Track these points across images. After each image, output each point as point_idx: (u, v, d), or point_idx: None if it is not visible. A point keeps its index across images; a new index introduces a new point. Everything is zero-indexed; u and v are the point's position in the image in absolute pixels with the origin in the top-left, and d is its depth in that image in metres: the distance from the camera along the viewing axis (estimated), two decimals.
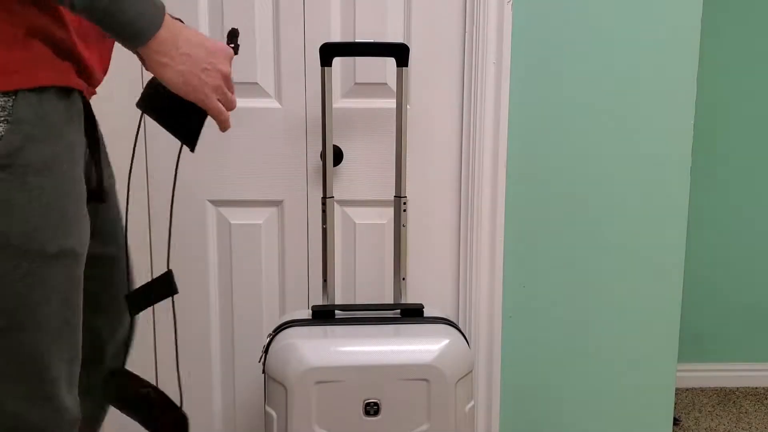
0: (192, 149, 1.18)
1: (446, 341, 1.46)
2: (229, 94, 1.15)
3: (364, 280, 1.84)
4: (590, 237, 1.82)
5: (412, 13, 1.75)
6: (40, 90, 0.99)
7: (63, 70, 1.03)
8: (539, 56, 1.74)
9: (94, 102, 1.16)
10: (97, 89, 1.16)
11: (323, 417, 1.42)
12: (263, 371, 1.48)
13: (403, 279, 1.65)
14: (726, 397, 2.58)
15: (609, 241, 1.82)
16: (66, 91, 1.04)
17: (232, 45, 1.21)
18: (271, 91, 1.77)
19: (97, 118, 1.16)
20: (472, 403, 1.51)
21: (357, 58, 1.75)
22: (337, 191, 1.79)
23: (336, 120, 1.75)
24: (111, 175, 1.28)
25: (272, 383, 1.44)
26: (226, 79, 1.13)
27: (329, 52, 1.57)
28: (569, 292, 1.84)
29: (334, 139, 1.76)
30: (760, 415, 2.45)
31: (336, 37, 1.75)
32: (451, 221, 1.83)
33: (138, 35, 1.02)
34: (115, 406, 1.31)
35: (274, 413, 1.44)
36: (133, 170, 1.34)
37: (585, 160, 1.79)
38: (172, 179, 1.77)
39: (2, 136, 0.95)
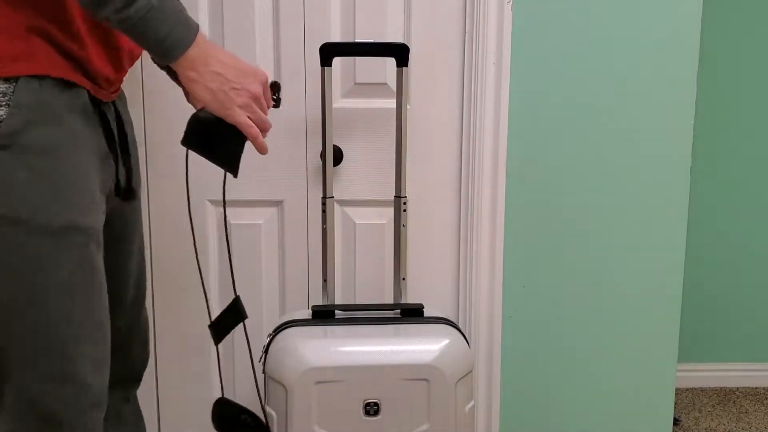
0: (235, 175, 1.23)
1: (446, 341, 1.46)
2: (260, 112, 1.19)
3: (364, 280, 1.84)
4: (590, 237, 1.82)
5: (412, 13, 1.75)
6: (41, 78, 1.05)
7: (62, 66, 1.08)
8: (539, 56, 1.74)
9: None
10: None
11: (323, 417, 1.42)
12: (263, 371, 1.48)
13: (403, 279, 1.65)
14: (726, 397, 2.58)
15: (609, 241, 1.82)
16: (67, 84, 1.08)
17: (274, 97, 1.27)
18: None
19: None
20: (472, 403, 1.51)
21: (357, 58, 1.75)
22: (337, 191, 1.79)
23: (336, 120, 1.75)
24: (139, 181, 1.33)
25: (272, 383, 1.44)
26: (257, 99, 1.18)
27: (329, 52, 1.57)
28: (569, 292, 1.84)
29: (334, 139, 1.76)
30: (760, 415, 2.45)
31: (336, 37, 1.75)
32: (451, 221, 1.83)
33: (167, 53, 1.08)
34: None
35: (274, 413, 1.44)
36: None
37: (585, 160, 1.79)
38: (172, 180, 1.78)
39: (3, 119, 1.01)
